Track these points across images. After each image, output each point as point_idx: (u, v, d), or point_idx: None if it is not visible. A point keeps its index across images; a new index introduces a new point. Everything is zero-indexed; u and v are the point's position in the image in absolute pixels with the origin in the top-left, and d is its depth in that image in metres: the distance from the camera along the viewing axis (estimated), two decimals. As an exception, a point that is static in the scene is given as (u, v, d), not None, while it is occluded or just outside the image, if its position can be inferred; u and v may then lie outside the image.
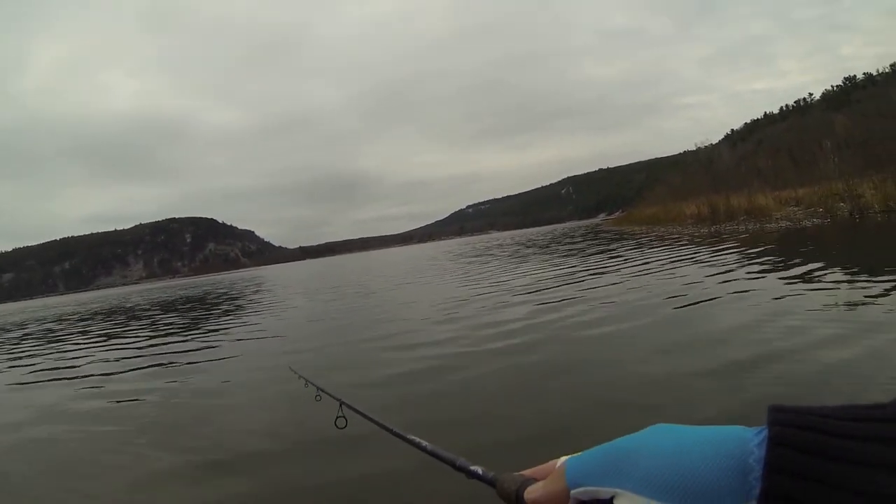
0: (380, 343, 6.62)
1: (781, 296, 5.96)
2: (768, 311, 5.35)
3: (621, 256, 14.02)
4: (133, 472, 3.43)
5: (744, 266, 8.89)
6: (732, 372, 3.71)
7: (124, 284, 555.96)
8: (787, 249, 10.94)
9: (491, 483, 0.64)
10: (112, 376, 6.90)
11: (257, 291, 23.87)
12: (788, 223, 19.02)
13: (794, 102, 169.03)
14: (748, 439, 0.38)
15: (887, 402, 0.36)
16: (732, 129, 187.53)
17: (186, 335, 10.32)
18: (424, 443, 0.91)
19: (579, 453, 0.50)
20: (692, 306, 6.17)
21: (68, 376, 7.33)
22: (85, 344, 11.02)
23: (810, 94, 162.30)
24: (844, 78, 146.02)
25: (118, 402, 5.43)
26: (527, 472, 0.59)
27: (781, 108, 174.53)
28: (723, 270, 8.66)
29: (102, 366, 7.87)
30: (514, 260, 19.39)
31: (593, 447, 0.49)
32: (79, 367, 8.07)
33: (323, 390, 1.85)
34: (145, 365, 7.32)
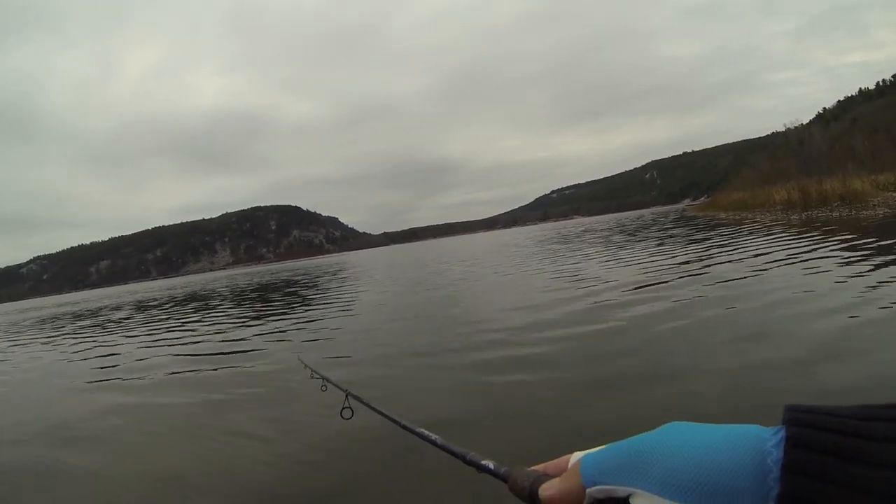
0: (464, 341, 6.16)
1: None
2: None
3: (724, 246, 12.91)
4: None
5: (859, 261, 7.78)
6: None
7: (211, 270, 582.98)
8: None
9: (503, 478, 0.63)
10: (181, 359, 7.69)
11: (337, 278, 24.02)
12: (887, 210, 18.12)
13: (892, 77, 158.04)
14: (765, 439, 0.38)
15: None
16: (825, 108, 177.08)
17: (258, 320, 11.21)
18: (434, 436, 0.89)
19: (595, 450, 0.50)
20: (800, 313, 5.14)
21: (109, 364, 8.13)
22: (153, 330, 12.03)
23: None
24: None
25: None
26: (538, 467, 0.58)
27: (878, 82, 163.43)
28: (838, 267, 7.51)
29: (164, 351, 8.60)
30: (606, 248, 18.12)
31: (608, 444, 0.49)
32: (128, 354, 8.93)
33: (328, 380, 1.89)
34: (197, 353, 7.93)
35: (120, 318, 17.46)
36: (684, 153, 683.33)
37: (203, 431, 4.24)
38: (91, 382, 6.89)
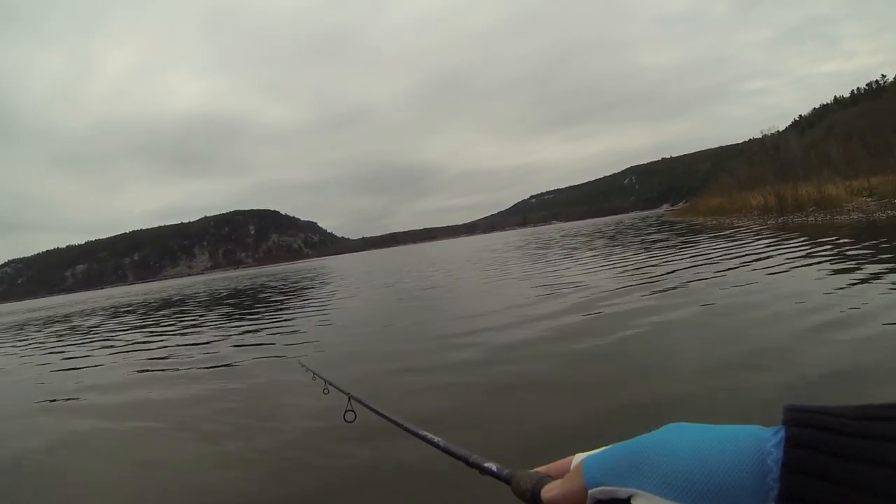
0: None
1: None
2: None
3: (709, 251, 12.73)
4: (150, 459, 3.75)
5: (849, 268, 7.55)
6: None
7: (190, 275, 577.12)
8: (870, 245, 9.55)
9: (506, 480, 0.63)
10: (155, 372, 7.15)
11: (316, 284, 23.75)
12: (861, 215, 18.45)
13: (867, 85, 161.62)
14: (766, 439, 0.39)
15: None
16: (800, 115, 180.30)
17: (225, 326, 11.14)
18: (437, 439, 0.90)
19: (596, 451, 0.51)
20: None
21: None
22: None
23: (883, 77, 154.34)
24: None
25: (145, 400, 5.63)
26: (542, 469, 0.59)
27: (853, 91, 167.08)
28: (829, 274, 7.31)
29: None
30: (587, 253, 18.00)
31: (610, 445, 0.49)
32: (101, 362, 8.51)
33: (331, 384, 1.89)
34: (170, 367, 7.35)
35: (89, 327, 16.86)
36: (663, 159, 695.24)
37: (195, 446, 4.01)
38: (54, 401, 6.19)
